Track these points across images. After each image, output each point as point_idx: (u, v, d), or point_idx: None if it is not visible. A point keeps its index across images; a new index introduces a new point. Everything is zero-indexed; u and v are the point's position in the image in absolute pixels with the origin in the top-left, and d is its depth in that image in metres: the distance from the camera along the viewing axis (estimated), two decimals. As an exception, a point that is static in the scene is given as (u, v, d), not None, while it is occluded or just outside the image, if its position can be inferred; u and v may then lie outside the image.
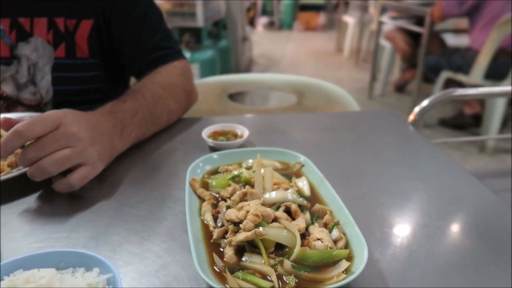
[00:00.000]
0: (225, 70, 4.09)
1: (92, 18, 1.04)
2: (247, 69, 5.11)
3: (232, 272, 0.53)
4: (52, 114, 0.69)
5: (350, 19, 6.03)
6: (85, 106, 1.12)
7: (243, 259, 0.55)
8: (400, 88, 4.49)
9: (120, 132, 0.84)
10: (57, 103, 1.09)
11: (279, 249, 0.57)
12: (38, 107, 1.09)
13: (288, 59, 6.24)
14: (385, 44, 4.32)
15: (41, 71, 1.05)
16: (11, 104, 1.08)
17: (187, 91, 1.10)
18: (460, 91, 1.14)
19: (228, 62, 4.24)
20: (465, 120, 3.44)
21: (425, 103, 1.13)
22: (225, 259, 0.55)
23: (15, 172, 0.75)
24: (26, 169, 0.75)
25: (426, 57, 3.39)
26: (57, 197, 0.74)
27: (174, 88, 1.05)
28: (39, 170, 0.68)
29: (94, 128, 0.76)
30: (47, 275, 0.42)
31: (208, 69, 3.62)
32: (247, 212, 0.58)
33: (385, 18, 4.15)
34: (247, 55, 5.07)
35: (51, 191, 0.75)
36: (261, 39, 7.50)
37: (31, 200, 0.73)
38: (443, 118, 3.56)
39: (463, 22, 3.59)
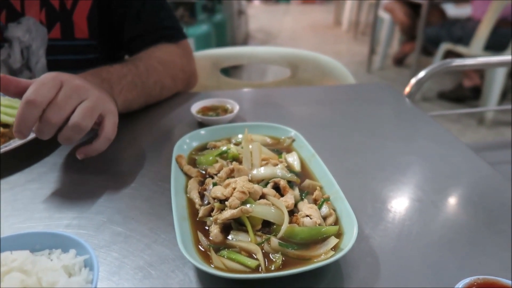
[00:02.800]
0: (221, 45, 4.00)
1: None
2: (244, 43, 5.02)
3: (217, 250, 0.51)
4: (48, 76, 0.65)
5: (348, -9, 5.89)
6: None
7: (229, 237, 0.54)
8: (399, 61, 4.42)
9: (110, 89, 0.81)
10: None
11: (267, 226, 0.55)
12: None
13: (285, 33, 6.13)
14: (384, 16, 4.22)
15: (35, 55, 0.98)
16: None
17: (186, 72, 1.07)
18: (458, 61, 1.11)
19: (223, 37, 4.15)
20: (464, 93, 3.40)
21: (421, 74, 1.09)
22: (210, 238, 0.54)
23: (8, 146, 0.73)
24: (16, 144, 0.72)
25: (425, 28, 3.32)
26: (39, 177, 0.72)
27: (172, 66, 1.01)
28: (75, 128, 0.65)
29: (90, 82, 0.72)
30: (19, 257, 0.40)
31: (203, 44, 3.54)
32: (234, 189, 0.56)
33: (384, -11, 4.04)
34: (243, 29, 4.97)
35: (32, 171, 0.73)
36: (258, 13, 7.35)
37: (12, 180, 0.71)
38: (442, 91, 3.51)
39: (464, -8, 3.50)
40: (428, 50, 3.65)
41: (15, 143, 0.75)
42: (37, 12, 0.95)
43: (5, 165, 0.74)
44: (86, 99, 0.67)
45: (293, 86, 1.35)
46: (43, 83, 0.63)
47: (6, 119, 0.80)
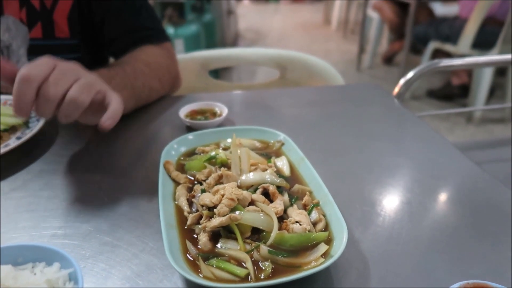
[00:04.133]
0: (210, 45, 3.99)
1: None
2: (233, 43, 5.00)
3: (206, 259, 0.50)
4: (41, 59, 0.64)
5: (337, -10, 5.90)
6: None
7: (218, 245, 0.53)
8: (389, 59, 4.45)
9: None
10: None
11: (256, 233, 0.55)
12: None
13: (275, 32, 6.12)
14: (373, 14, 4.24)
15: (16, 54, 0.96)
16: None
17: (172, 73, 1.06)
18: (445, 62, 1.11)
19: (213, 37, 4.13)
20: (452, 91, 3.43)
21: (410, 75, 1.10)
22: (199, 246, 0.53)
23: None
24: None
25: (414, 27, 3.34)
26: (24, 185, 0.70)
27: (158, 67, 1.00)
28: (72, 103, 0.63)
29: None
30: (1, 272, 0.39)
31: (193, 45, 3.52)
32: (222, 195, 0.56)
33: (372, -12, 4.06)
34: (233, 29, 4.95)
35: (17, 178, 0.72)
36: (247, 12, 7.33)
37: (-3, 189, 0.69)
38: (431, 89, 3.54)
39: (452, -9, 3.53)
40: (417, 49, 3.67)
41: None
42: (17, 11, 0.94)
43: (-12, 173, 0.73)
44: (82, 77, 0.65)
45: (282, 87, 1.34)
46: (37, 63, 0.63)
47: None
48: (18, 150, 0.76)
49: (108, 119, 0.66)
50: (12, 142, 0.76)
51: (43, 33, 0.97)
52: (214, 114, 0.91)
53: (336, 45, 5.41)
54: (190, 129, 0.87)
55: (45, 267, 0.43)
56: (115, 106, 0.68)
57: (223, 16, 4.40)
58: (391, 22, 4.07)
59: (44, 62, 0.63)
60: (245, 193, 0.57)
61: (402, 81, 1.10)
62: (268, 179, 0.62)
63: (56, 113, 0.65)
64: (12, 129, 0.81)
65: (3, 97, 0.91)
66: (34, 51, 0.97)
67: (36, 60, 0.64)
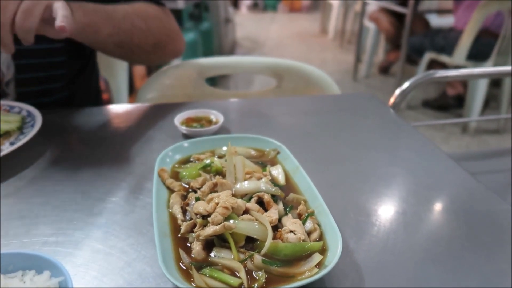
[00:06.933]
0: (208, 53, 4.00)
1: None
2: (231, 51, 5.02)
3: (199, 269, 0.50)
4: None
5: (334, 0, 5.95)
6: (50, 84, 1.06)
7: (212, 254, 0.53)
8: (385, 69, 4.48)
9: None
10: (20, 79, 1.01)
11: (250, 242, 0.54)
12: None
13: (272, 41, 6.15)
14: (370, 25, 4.28)
15: None
16: None
17: (163, 23, 1.03)
18: (441, 73, 1.12)
19: (210, 45, 4.15)
20: (448, 101, 3.45)
21: (405, 85, 1.10)
22: (192, 255, 0.52)
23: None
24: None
25: (410, 38, 3.37)
26: (16, 192, 0.69)
27: (143, 11, 0.98)
28: (21, 30, 0.71)
29: None
30: (-10, 281, 0.39)
31: (190, 53, 3.53)
32: (217, 204, 0.55)
33: (369, -1, 4.09)
34: (230, 37, 4.97)
35: (9, 185, 0.71)
36: (245, 21, 7.37)
37: (-12, 195, 0.69)
38: (426, 99, 3.56)
39: (447, 3, 3.56)
40: (413, 59, 3.70)
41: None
42: None
43: (-20, 179, 0.72)
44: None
45: (278, 96, 1.34)
46: None
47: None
48: (11, 156, 0.75)
49: (61, 21, 0.71)
50: (5, 148, 0.75)
51: None
52: (209, 122, 0.90)
53: (333, 55, 5.44)
54: (185, 136, 0.87)
55: (35, 275, 0.42)
56: (62, 11, 0.72)
57: (220, 24, 4.43)
58: (388, 32, 4.11)
59: None
60: (239, 201, 0.57)
61: (397, 92, 1.11)
62: (263, 188, 0.61)
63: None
64: (5, 135, 0.81)
65: None
66: (17, 41, 0.97)
67: None
